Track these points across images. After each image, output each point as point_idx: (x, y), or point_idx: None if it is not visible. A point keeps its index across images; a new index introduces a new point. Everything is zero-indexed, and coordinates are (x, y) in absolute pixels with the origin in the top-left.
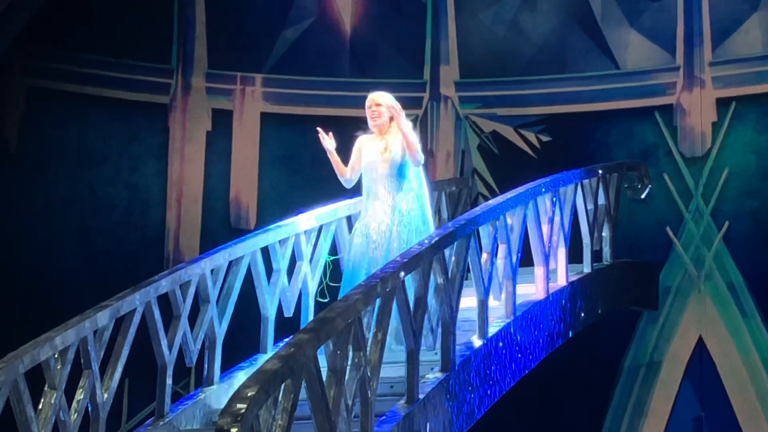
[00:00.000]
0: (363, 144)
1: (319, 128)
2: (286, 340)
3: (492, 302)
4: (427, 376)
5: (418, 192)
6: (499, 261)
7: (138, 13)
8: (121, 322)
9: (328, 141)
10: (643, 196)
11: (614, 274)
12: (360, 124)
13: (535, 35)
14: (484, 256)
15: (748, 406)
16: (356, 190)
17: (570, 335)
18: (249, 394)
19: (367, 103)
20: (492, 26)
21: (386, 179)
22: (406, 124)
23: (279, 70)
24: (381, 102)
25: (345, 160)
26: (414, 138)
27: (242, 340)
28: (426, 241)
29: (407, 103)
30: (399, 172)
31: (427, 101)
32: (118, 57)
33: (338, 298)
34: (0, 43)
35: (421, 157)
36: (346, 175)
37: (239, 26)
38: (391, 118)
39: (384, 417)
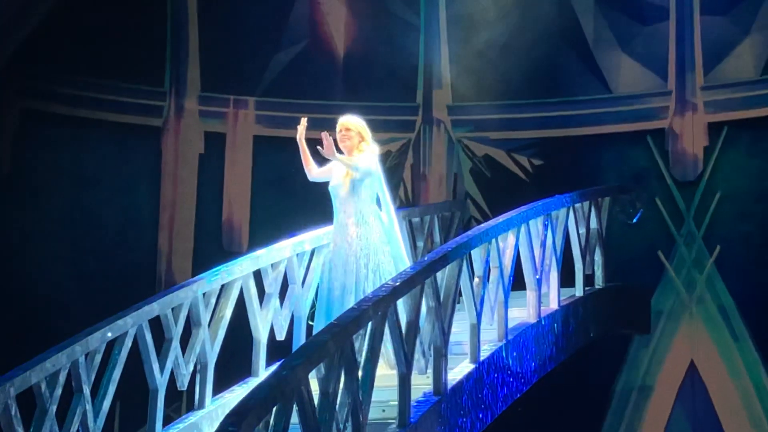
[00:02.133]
0: (335, 165)
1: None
2: (278, 363)
3: (484, 326)
4: (419, 399)
5: (386, 210)
6: (491, 285)
7: (131, 36)
8: (113, 345)
9: (302, 127)
10: (635, 220)
11: (606, 298)
12: None
13: (528, 59)
14: (476, 279)
15: (740, 430)
16: None
17: (562, 359)
18: (241, 418)
19: (338, 127)
20: (484, 50)
21: (348, 202)
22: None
23: (272, 93)
24: (350, 126)
25: None
26: (351, 162)
27: (234, 363)
28: (418, 265)
29: (400, 127)
30: (355, 194)
31: (419, 125)
32: (112, 79)
33: (313, 324)
34: None
35: (369, 165)
36: (311, 171)
37: (232, 49)
38: (360, 141)
39: None
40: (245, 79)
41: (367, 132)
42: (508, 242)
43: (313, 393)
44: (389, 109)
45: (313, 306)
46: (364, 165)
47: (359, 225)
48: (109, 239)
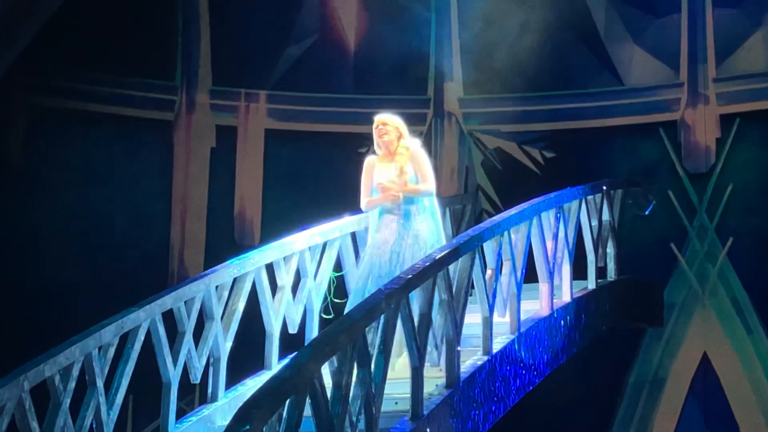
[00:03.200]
0: (374, 165)
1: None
2: (291, 356)
3: (497, 318)
4: (431, 392)
5: (431, 211)
6: (504, 277)
7: (143, 30)
8: (126, 339)
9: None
10: (647, 212)
11: (618, 291)
12: (364, 141)
13: (539, 52)
14: (489, 272)
15: (753, 423)
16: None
17: (574, 351)
18: (254, 411)
19: (374, 124)
20: (496, 43)
21: (401, 201)
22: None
23: (283, 86)
24: (387, 122)
25: (348, 176)
26: (427, 166)
27: (247, 356)
28: (430, 258)
29: (411, 120)
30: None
31: (431, 118)
32: (122, 74)
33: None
34: (3, 61)
35: (433, 187)
36: (364, 202)
37: (244, 43)
38: (399, 137)
39: None
40: (256, 72)
41: (404, 128)
42: (520, 235)
43: (326, 386)
44: (400, 102)
45: (325, 299)
46: (414, 175)
47: (405, 222)
48: (121, 234)
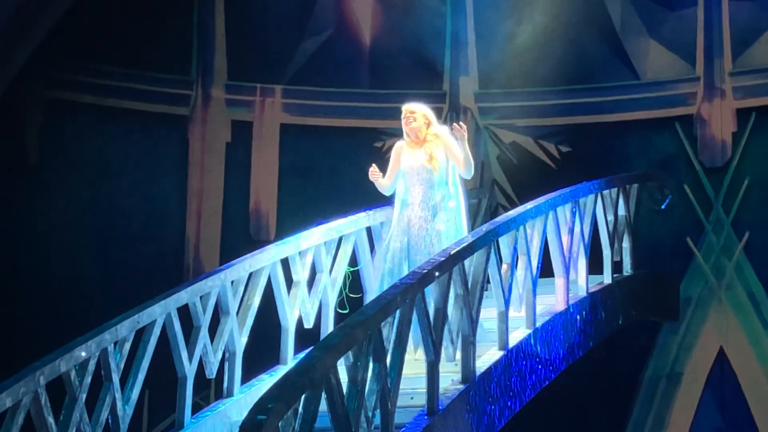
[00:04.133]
0: (402, 151)
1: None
2: (307, 351)
3: (512, 313)
4: (447, 387)
5: (455, 198)
6: (519, 272)
7: (158, 25)
8: (142, 334)
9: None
10: (663, 207)
11: (634, 285)
12: (379, 135)
13: (555, 46)
14: (504, 266)
15: None
16: (377, 201)
17: (590, 346)
18: (269, 406)
19: (403, 112)
20: (511, 37)
21: (427, 186)
22: (457, 143)
23: (298, 81)
24: (415, 110)
25: (363, 170)
26: (459, 150)
27: (262, 351)
28: (446, 252)
29: None
30: (441, 181)
31: (446, 112)
32: (138, 68)
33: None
34: (20, 55)
35: (471, 164)
36: (386, 183)
37: (259, 37)
38: (428, 125)
39: (404, 428)
40: (272, 67)
41: (432, 116)
42: (535, 229)
43: (342, 381)
44: (416, 97)
45: (341, 294)
46: (444, 161)
47: (433, 209)
48: (136, 229)
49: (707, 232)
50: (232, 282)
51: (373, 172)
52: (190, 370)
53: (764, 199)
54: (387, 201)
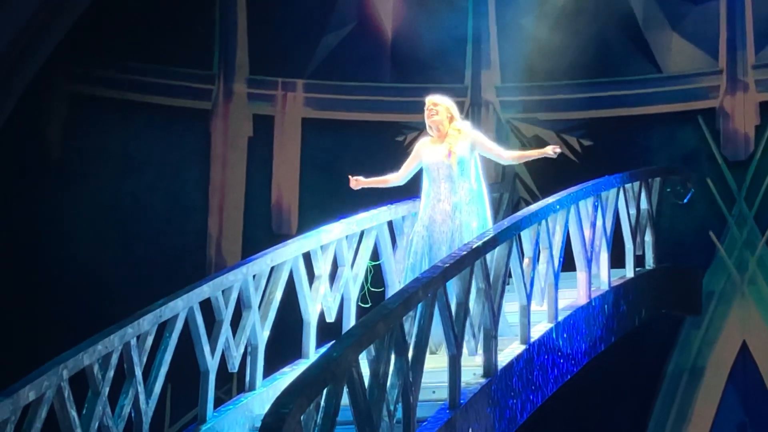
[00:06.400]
0: (423, 147)
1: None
2: (329, 345)
3: (534, 307)
4: (469, 381)
5: (479, 193)
6: (541, 266)
7: (180, 20)
8: (164, 328)
9: (353, 183)
10: (685, 201)
11: (657, 279)
12: (401, 129)
13: (577, 39)
14: (526, 260)
15: None
16: (398, 196)
17: (613, 340)
18: (292, 399)
19: (426, 105)
20: (533, 30)
21: (450, 181)
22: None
23: (320, 75)
24: (438, 102)
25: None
26: (492, 143)
27: (284, 345)
28: (468, 246)
29: None
30: (462, 175)
31: (468, 106)
32: (160, 63)
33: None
34: (43, 50)
35: (507, 153)
36: (391, 179)
37: (281, 32)
38: (450, 119)
39: (426, 422)
40: (294, 61)
41: (455, 110)
42: (557, 223)
43: (364, 375)
44: (437, 91)
45: (362, 288)
46: (465, 154)
47: (456, 204)
48: (159, 223)
49: (730, 226)
50: (254, 276)
51: (356, 181)
52: (212, 364)
53: None
54: (408, 195)
